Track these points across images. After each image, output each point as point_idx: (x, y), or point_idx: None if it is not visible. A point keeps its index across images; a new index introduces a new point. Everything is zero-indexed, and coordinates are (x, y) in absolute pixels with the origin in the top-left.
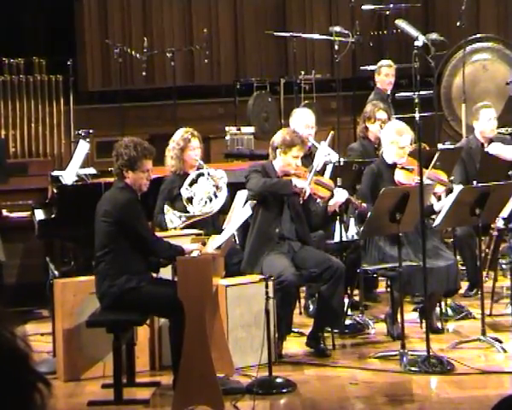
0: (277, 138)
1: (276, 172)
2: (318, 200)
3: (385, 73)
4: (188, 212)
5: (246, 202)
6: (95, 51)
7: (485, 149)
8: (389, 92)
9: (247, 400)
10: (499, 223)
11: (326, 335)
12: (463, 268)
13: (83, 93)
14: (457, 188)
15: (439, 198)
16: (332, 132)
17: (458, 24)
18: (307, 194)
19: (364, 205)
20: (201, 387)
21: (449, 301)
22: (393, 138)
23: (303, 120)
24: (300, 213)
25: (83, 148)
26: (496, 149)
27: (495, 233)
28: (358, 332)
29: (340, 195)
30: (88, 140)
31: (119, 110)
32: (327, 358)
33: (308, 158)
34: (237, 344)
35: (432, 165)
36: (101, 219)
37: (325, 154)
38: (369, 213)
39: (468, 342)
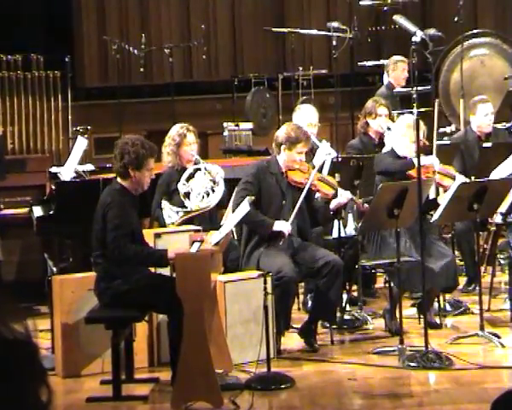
0: (282, 134)
1: (280, 168)
2: (317, 195)
3: (402, 68)
4: (185, 207)
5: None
6: (92, 47)
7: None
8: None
9: (245, 395)
10: (497, 218)
11: (325, 331)
12: (462, 263)
13: (80, 89)
14: (459, 178)
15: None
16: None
17: (456, 19)
18: (286, 234)
19: (366, 206)
20: (200, 383)
21: (447, 296)
22: (404, 132)
23: (306, 117)
24: (304, 209)
25: (81, 144)
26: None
27: (493, 228)
28: (357, 328)
29: (344, 197)
30: (86, 136)
31: (116, 106)
32: (324, 354)
33: (309, 154)
34: (236, 340)
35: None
36: (96, 219)
37: (326, 153)
38: None
39: (466, 338)
